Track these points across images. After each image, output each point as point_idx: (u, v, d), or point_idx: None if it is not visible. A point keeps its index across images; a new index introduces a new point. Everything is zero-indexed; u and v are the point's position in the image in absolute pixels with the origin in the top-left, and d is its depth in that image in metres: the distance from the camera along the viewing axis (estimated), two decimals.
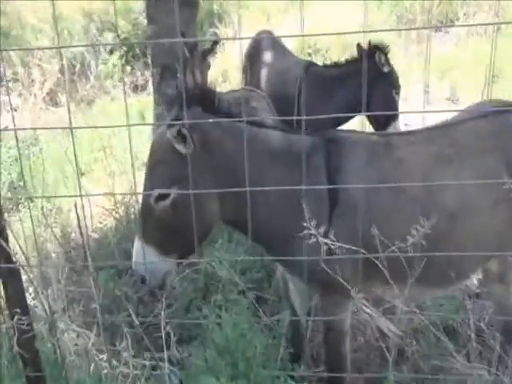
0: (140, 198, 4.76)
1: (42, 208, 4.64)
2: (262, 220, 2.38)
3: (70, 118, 1.72)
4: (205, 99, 2.35)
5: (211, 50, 4.75)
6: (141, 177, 5.61)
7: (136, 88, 10.06)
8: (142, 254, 2.32)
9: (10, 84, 7.95)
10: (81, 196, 2.00)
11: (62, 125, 7.55)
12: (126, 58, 11.69)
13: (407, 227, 2.17)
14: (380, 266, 2.12)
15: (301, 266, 2.33)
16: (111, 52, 11.73)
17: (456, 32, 10.92)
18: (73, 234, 4.76)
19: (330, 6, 10.30)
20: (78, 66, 10.64)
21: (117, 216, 4.74)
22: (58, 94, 9.36)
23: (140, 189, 5.11)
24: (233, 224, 2.53)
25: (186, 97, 2.16)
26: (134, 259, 2.42)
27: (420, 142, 2.49)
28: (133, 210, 4.90)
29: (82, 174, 6.31)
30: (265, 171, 2.38)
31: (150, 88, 9.68)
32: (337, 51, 9.66)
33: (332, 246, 2.16)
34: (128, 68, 11.07)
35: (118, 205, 4.91)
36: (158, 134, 2.41)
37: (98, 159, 6.21)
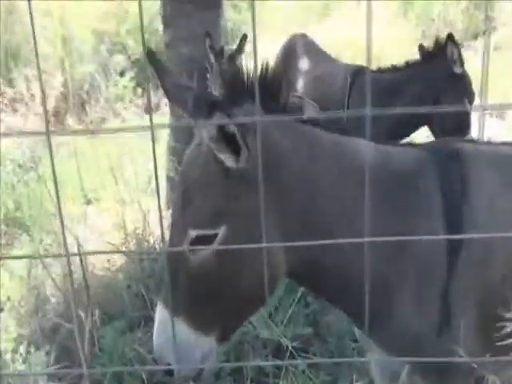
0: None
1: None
2: (344, 270, 1.63)
3: None
4: (269, 92, 1.57)
5: (239, 51, 4.06)
6: (154, 204, 4.96)
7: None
8: (168, 332, 1.54)
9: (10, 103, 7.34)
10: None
11: (67, 148, 6.90)
12: (137, 80, 11.19)
13: None
14: None
15: (406, 342, 1.57)
16: (122, 74, 11.24)
17: (480, 47, 10.26)
18: (75, 275, 3.99)
19: (349, 18, 9.69)
20: (86, 87, 10.10)
21: (127, 252, 3.99)
22: (67, 117, 8.80)
23: (154, 219, 4.49)
24: (303, 279, 1.77)
25: (235, 89, 1.43)
26: (155, 340, 1.65)
27: None
28: (146, 244, 4.15)
29: (89, 201, 5.59)
30: (352, 200, 1.62)
31: (164, 108, 9.10)
32: None
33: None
34: (139, 90, 10.56)
35: (128, 238, 4.17)
36: (193, 145, 1.66)
37: (106, 184, 5.51)
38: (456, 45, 3.48)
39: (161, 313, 1.63)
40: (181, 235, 1.57)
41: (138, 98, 10.32)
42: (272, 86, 1.60)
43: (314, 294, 1.92)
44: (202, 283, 1.57)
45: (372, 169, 1.61)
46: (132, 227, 4.25)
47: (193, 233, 1.54)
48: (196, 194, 1.57)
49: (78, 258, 3.93)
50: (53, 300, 3.84)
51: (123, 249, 3.97)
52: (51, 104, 8.29)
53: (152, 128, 1.17)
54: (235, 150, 1.50)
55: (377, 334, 1.72)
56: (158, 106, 9.46)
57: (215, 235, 1.53)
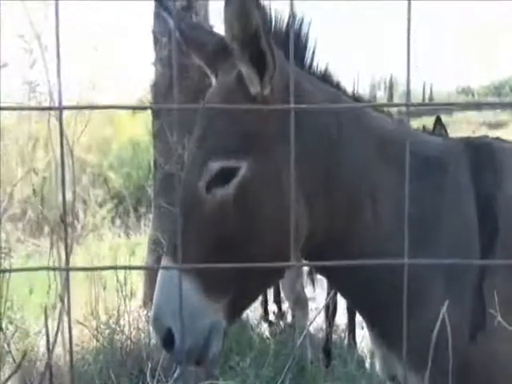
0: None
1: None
2: (363, 252, 1.46)
3: None
4: (297, 45, 1.51)
5: None
6: (128, 305, 4.63)
7: (128, 232, 9.33)
8: (172, 293, 1.30)
9: None
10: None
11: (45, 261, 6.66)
12: (116, 211, 11.19)
13: None
14: None
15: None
16: (101, 206, 11.26)
17: None
18: (38, 363, 3.58)
19: None
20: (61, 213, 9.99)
21: (99, 338, 3.64)
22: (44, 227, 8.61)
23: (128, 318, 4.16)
24: (322, 255, 1.52)
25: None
26: (156, 302, 1.38)
27: None
28: (118, 336, 3.79)
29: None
30: (374, 174, 1.51)
31: (142, 228, 9.01)
32: None
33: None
34: (118, 221, 10.53)
35: (101, 327, 3.83)
36: (212, 89, 1.55)
37: (83, 287, 5.21)
38: (445, 128, 3.48)
39: (166, 270, 1.37)
40: (199, 171, 1.38)
41: (116, 228, 10.22)
42: (300, 41, 1.54)
43: (331, 284, 1.69)
44: (218, 232, 1.35)
45: (399, 147, 1.49)
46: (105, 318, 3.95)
47: (214, 165, 1.36)
48: (219, 121, 1.42)
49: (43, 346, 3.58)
50: None
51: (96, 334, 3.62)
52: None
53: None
54: (260, 72, 1.39)
55: (399, 338, 1.47)
56: (138, 228, 9.37)
57: (237, 169, 1.37)
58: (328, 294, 3.87)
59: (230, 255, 1.35)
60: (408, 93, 0.82)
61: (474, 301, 1.46)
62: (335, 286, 1.70)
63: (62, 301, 2.61)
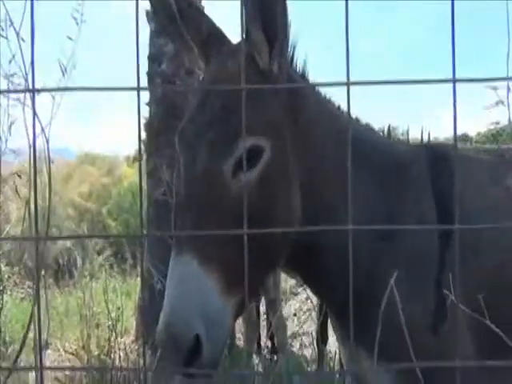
0: None
1: None
2: (333, 245, 1.47)
3: None
4: None
5: None
6: (120, 341, 4.62)
7: (124, 272, 9.33)
8: (195, 289, 1.18)
9: None
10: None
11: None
12: (115, 257, 11.20)
13: None
14: None
15: (397, 340, 1.38)
16: (99, 253, 11.28)
17: None
18: None
19: None
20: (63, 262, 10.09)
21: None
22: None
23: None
24: (301, 251, 1.49)
25: None
26: (174, 301, 1.19)
27: None
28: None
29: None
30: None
31: (139, 271, 9.01)
32: None
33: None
34: (115, 267, 10.53)
35: (92, 361, 3.84)
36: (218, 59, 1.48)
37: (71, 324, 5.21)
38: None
39: (184, 266, 1.19)
40: (223, 153, 1.28)
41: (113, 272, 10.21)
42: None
43: (305, 279, 1.68)
44: (239, 219, 1.20)
45: (365, 148, 1.54)
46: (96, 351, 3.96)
47: (248, 142, 1.24)
48: (238, 101, 1.28)
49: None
50: None
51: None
52: None
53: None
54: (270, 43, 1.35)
55: (363, 331, 1.47)
56: (135, 272, 9.38)
57: (263, 151, 1.31)
58: (317, 323, 3.89)
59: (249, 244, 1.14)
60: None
61: (435, 292, 1.49)
62: (304, 278, 1.69)
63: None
